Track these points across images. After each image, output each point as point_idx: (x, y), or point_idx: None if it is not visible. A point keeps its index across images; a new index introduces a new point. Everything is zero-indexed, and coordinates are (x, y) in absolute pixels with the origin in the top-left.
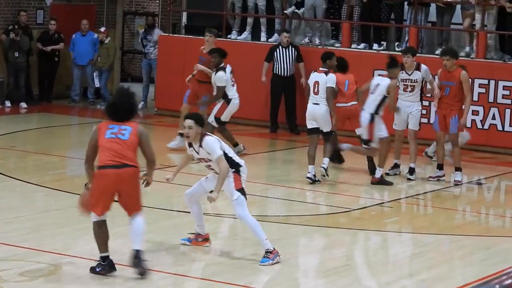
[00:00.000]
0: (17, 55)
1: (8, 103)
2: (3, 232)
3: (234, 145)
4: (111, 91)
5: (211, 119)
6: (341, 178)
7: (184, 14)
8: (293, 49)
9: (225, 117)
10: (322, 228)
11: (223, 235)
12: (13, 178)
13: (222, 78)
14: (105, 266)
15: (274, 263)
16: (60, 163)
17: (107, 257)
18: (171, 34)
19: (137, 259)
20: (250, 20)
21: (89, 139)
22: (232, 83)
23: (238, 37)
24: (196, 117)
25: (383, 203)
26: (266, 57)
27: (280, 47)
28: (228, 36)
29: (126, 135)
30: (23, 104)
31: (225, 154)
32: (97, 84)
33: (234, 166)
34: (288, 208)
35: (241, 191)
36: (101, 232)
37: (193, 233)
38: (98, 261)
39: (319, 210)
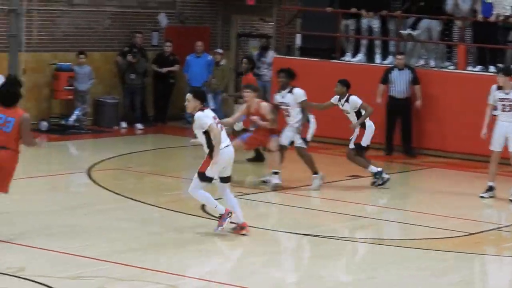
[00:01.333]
0: (133, 77)
1: (124, 124)
2: (120, 252)
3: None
4: (225, 112)
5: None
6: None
7: (299, 36)
8: (408, 71)
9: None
10: (439, 252)
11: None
12: (129, 198)
13: (302, 92)
14: None
15: (225, 225)
16: (175, 184)
17: None
18: (285, 56)
19: None
20: (364, 42)
21: None
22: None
23: (352, 59)
24: (195, 91)
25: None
26: (381, 79)
27: (396, 69)
28: (342, 58)
29: (9, 127)
30: (139, 125)
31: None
32: (212, 105)
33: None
34: (405, 231)
35: (202, 175)
36: None
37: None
38: None
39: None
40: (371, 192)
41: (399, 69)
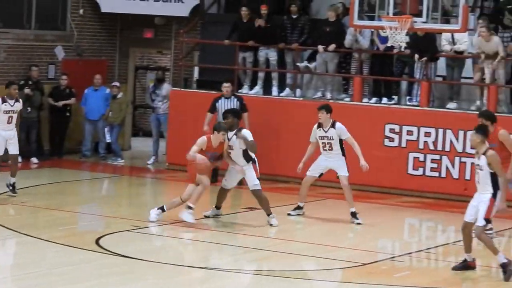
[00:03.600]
0: (29, 110)
1: (19, 159)
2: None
3: None
4: (122, 146)
5: None
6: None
7: (196, 69)
8: (235, 99)
9: None
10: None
11: None
12: (24, 234)
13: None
14: None
15: None
16: (71, 218)
17: None
18: (182, 89)
19: None
20: (261, 75)
21: None
22: None
23: (250, 92)
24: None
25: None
26: (209, 108)
27: (223, 97)
28: (240, 90)
29: None
30: (34, 159)
31: None
32: (108, 139)
33: None
34: (298, 263)
35: None
36: None
37: None
38: None
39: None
40: (266, 224)
41: (226, 98)
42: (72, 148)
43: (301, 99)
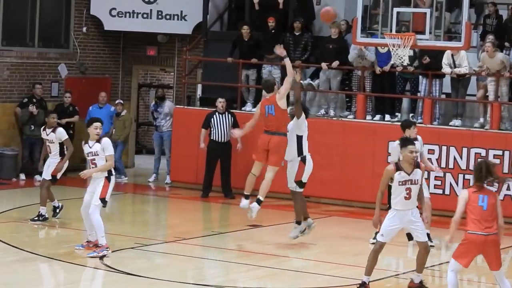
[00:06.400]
0: (33, 128)
1: (22, 176)
2: None
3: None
4: (126, 163)
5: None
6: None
7: (199, 86)
8: (229, 115)
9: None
10: None
11: None
12: (28, 251)
13: None
14: None
15: (100, 256)
16: (75, 236)
17: None
18: (185, 107)
19: None
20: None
21: None
22: None
23: (253, 109)
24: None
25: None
26: (203, 123)
27: (217, 113)
28: (243, 108)
29: None
30: (38, 177)
31: None
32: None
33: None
34: (301, 280)
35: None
36: None
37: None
38: None
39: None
40: (274, 242)
41: (220, 113)
42: (76, 165)
43: None
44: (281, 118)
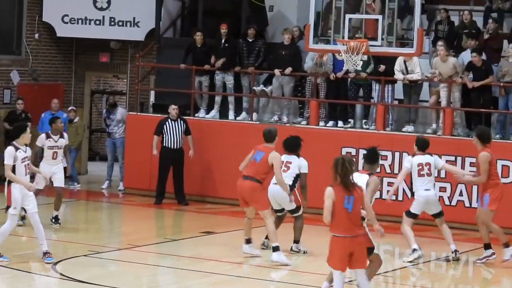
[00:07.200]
0: None
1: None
2: None
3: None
4: (79, 170)
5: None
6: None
7: (152, 93)
8: (181, 122)
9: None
10: None
11: None
12: None
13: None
14: None
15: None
16: (27, 243)
17: None
18: (138, 113)
19: None
20: (218, 99)
21: None
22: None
23: (206, 116)
24: None
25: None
26: (155, 130)
27: (169, 120)
28: (196, 114)
29: None
30: None
31: None
32: (64, 163)
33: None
34: (254, 286)
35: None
36: None
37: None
38: None
39: None
40: (227, 248)
41: (172, 120)
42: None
43: (258, 122)
44: (262, 168)
